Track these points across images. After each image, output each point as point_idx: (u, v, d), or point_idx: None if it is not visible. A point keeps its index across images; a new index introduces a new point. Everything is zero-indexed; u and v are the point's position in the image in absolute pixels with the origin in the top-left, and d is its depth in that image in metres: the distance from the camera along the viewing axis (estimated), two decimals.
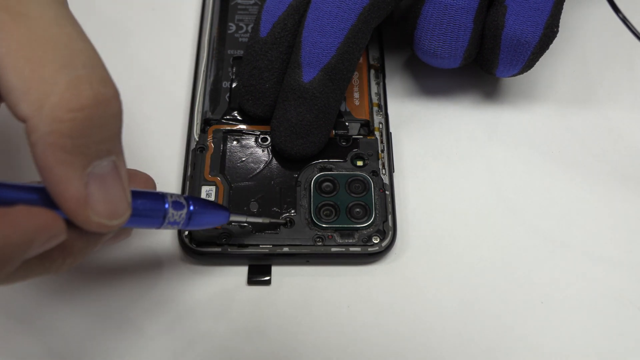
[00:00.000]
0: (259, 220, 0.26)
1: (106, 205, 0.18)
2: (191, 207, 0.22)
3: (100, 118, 0.18)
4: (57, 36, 0.18)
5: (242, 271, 0.27)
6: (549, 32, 0.28)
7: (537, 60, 0.29)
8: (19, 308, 0.25)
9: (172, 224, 0.22)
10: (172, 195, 0.22)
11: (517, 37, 0.28)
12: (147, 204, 0.21)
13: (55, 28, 0.18)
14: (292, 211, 0.27)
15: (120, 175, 0.19)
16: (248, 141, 0.29)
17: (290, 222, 0.27)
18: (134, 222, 0.20)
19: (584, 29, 0.35)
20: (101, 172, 0.18)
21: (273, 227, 0.27)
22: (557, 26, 0.28)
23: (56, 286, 0.26)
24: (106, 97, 0.18)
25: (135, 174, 0.23)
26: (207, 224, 0.24)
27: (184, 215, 0.22)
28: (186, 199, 0.22)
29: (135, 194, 0.21)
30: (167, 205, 0.21)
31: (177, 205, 0.22)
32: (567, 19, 0.35)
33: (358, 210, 0.27)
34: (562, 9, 0.29)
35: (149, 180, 0.23)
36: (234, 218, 0.25)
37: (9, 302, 0.26)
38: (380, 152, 0.29)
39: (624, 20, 0.28)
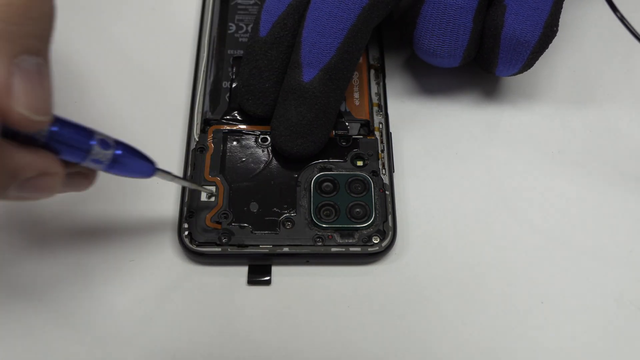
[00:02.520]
0: (187, 184, 0.27)
1: (29, 98, 0.18)
2: (118, 151, 0.23)
3: (35, 11, 0.18)
4: None
5: (242, 271, 0.27)
6: (548, 32, 0.28)
7: (537, 59, 0.29)
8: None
9: (96, 162, 0.22)
10: (101, 134, 0.22)
11: (516, 37, 0.28)
12: (73, 134, 0.21)
13: None
14: (293, 211, 0.27)
15: (45, 78, 0.19)
16: (248, 141, 0.29)
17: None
18: (57, 146, 0.21)
19: (583, 29, 0.35)
20: (27, 68, 0.18)
21: (208, 195, 0.27)
22: (557, 26, 0.28)
23: (54, 287, 0.26)
24: None
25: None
26: (130, 171, 0.24)
27: (109, 156, 0.22)
28: (115, 141, 0.23)
29: (65, 123, 0.21)
30: (93, 142, 0.22)
31: (104, 144, 0.22)
32: (567, 18, 0.35)
33: (358, 210, 0.27)
34: (561, 8, 0.28)
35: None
36: (159, 174, 0.25)
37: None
38: (380, 152, 0.29)
39: (622, 19, 0.28)
